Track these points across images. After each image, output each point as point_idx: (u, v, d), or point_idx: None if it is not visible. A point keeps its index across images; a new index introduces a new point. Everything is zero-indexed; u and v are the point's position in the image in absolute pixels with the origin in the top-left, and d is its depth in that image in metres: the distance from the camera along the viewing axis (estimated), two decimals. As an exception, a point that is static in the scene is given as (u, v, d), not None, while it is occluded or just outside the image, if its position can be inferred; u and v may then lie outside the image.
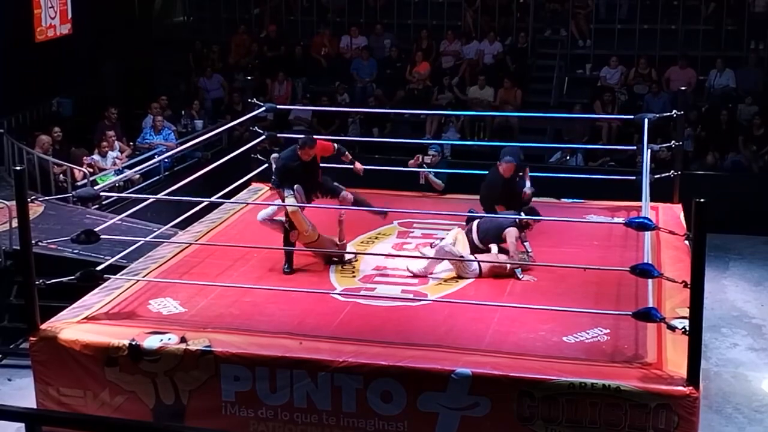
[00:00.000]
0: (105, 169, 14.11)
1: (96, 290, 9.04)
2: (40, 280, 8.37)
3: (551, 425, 7.49)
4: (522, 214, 9.34)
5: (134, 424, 5.49)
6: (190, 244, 9.83)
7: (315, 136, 9.91)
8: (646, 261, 8.20)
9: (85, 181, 13.02)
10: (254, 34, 19.17)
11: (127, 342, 8.07)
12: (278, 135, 13.54)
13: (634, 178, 10.96)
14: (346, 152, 10.20)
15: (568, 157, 15.67)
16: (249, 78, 18.26)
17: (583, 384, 7.40)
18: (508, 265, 9.14)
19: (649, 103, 16.08)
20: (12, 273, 10.74)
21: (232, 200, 11.32)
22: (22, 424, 4.47)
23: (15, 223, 9.13)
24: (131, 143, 15.40)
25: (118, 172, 13.92)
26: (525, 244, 9.47)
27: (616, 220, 10.42)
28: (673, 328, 7.66)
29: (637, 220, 8.11)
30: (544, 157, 16.01)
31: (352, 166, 10.26)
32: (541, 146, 15.63)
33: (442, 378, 7.58)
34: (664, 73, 16.91)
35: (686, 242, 9.26)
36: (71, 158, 13.94)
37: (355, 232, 10.37)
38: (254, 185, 12.06)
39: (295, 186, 9.37)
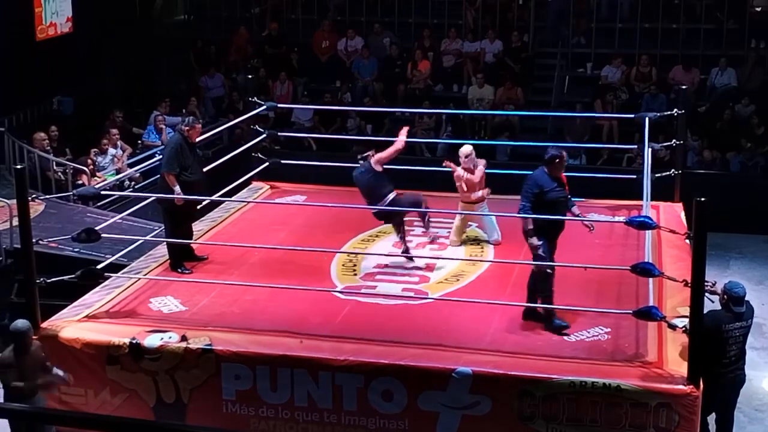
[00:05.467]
0: (103, 168, 14.13)
1: (97, 289, 9.04)
2: (41, 279, 8.38)
3: (552, 424, 7.50)
4: None
5: (135, 422, 5.46)
6: (191, 242, 9.82)
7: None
8: (646, 260, 8.20)
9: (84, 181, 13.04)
10: (255, 32, 19.16)
11: (127, 340, 8.08)
12: (279, 134, 13.56)
13: (635, 177, 10.96)
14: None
15: (572, 160, 15.62)
16: (250, 77, 18.26)
17: (583, 383, 7.40)
18: None
19: (648, 103, 16.05)
20: (13, 271, 10.74)
21: (232, 199, 11.32)
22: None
23: (16, 222, 9.12)
24: (140, 141, 15.43)
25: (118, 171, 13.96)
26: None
27: (617, 219, 10.41)
28: (673, 327, 7.66)
29: (638, 219, 8.10)
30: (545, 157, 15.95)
31: None
32: (541, 145, 15.59)
33: (443, 377, 7.59)
34: (668, 73, 16.87)
35: (687, 241, 9.26)
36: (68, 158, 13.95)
37: (356, 230, 10.37)
38: (255, 184, 12.06)
39: None
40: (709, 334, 7.64)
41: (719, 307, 8.05)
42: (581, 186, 12.01)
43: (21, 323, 7.85)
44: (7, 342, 7.97)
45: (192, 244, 9.78)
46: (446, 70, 17.96)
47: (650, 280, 8.22)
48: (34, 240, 8.31)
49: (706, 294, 7.82)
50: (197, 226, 10.29)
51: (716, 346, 7.83)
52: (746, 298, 8.12)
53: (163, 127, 15.47)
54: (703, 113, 16.19)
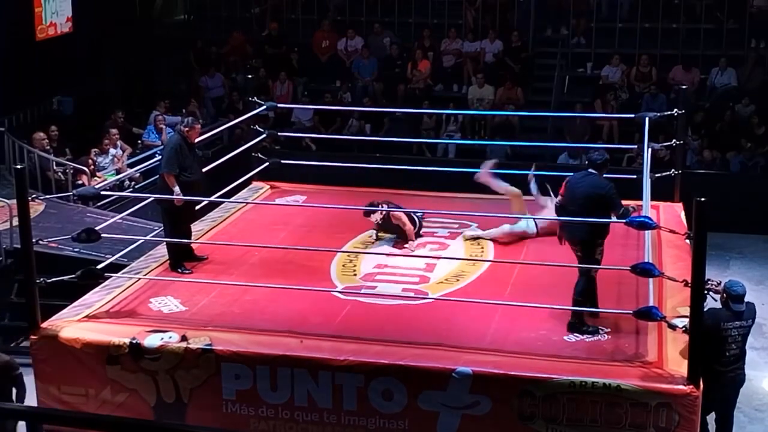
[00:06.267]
0: (103, 168, 14.14)
1: (97, 289, 9.04)
2: (41, 279, 8.38)
3: (552, 424, 7.49)
4: None
5: (135, 422, 5.48)
6: (191, 242, 9.82)
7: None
8: (646, 260, 8.20)
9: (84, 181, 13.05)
10: (255, 32, 19.17)
11: (128, 340, 8.08)
12: (279, 134, 13.56)
13: (635, 177, 10.95)
14: None
15: (572, 160, 15.63)
16: (250, 77, 18.28)
17: (583, 383, 7.40)
18: None
19: (648, 103, 16.06)
20: (13, 271, 10.74)
21: (232, 199, 11.32)
22: (23, 423, 4.47)
23: (16, 222, 9.12)
24: (140, 141, 15.45)
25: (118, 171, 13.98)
26: None
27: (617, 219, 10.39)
28: (673, 327, 7.66)
29: (638, 219, 8.09)
30: (545, 156, 15.98)
31: None
32: (541, 145, 15.61)
33: (442, 377, 7.59)
34: (668, 73, 16.88)
35: (687, 241, 9.25)
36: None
37: (356, 230, 10.37)
38: (255, 184, 12.06)
39: None
40: (707, 332, 7.65)
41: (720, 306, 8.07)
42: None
43: None
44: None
45: (192, 244, 9.78)
46: (446, 70, 17.97)
47: (650, 280, 8.21)
48: (34, 240, 8.30)
49: (710, 293, 7.82)
50: (197, 226, 10.28)
51: (715, 345, 7.85)
52: (746, 299, 8.13)
53: (163, 127, 15.48)
54: (703, 113, 16.19)
